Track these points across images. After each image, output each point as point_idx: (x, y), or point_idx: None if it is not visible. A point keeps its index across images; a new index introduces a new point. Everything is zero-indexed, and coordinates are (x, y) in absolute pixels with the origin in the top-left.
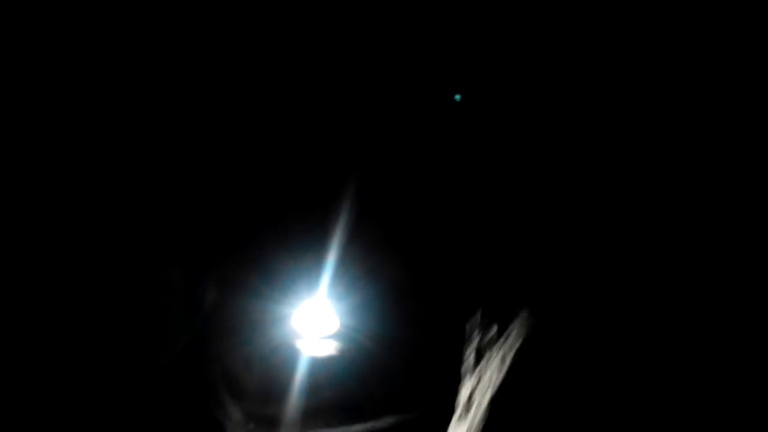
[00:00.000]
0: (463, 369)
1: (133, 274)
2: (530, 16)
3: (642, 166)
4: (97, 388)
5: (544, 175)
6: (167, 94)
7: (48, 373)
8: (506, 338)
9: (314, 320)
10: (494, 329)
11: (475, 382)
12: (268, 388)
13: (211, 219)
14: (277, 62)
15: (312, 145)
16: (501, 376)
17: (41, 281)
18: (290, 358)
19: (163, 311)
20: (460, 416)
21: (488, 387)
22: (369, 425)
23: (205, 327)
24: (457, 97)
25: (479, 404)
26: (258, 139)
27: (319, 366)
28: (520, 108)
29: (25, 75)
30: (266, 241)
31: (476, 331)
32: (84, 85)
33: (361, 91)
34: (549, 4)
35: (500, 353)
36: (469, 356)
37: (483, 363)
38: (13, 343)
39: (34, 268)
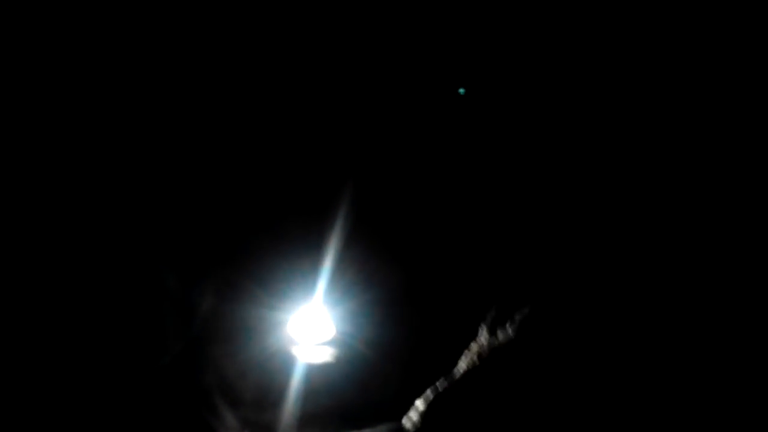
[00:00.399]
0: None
1: (129, 279)
2: (531, 17)
3: (635, 165)
4: (92, 390)
5: (536, 181)
6: (165, 104)
7: (46, 375)
8: (512, 319)
9: (310, 327)
10: (504, 313)
11: (485, 341)
12: (264, 394)
13: (208, 226)
14: (274, 75)
15: (308, 154)
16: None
17: (40, 285)
18: (286, 364)
19: (159, 316)
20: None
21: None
22: None
23: (200, 333)
24: (461, 90)
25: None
26: (255, 147)
27: (315, 373)
28: (515, 116)
29: (25, 77)
30: (262, 248)
31: (491, 313)
32: (82, 93)
33: (356, 103)
34: (550, 4)
35: (507, 327)
36: (484, 329)
37: (494, 332)
38: (13, 344)
39: (33, 272)
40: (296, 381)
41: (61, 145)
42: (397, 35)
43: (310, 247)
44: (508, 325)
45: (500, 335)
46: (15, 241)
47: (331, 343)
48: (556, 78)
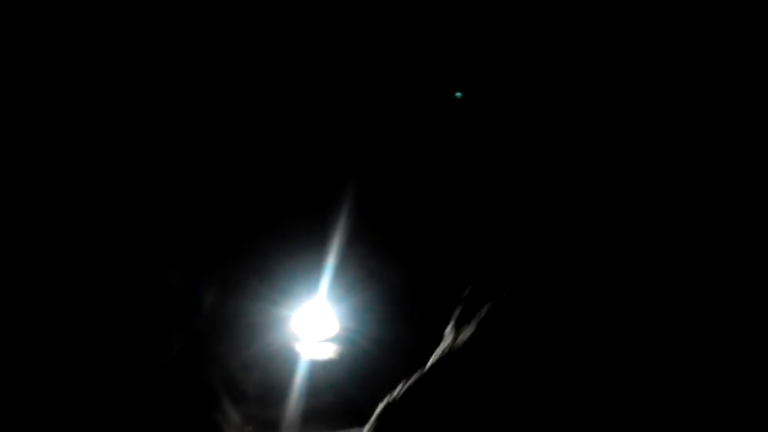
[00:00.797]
0: (445, 333)
1: (133, 276)
2: (531, 17)
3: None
4: (96, 388)
5: (530, 183)
6: (168, 101)
7: (48, 373)
8: (477, 314)
9: (314, 323)
10: (470, 308)
11: (450, 341)
12: (268, 390)
13: (212, 222)
14: (277, 71)
15: (312, 151)
16: (467, 336)
17: (42, 282)
18: (290, 360)
19: (163, 313)
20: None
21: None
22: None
23: (204, 329)
24: (458, 94)
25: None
26: (258, 144)
27: (318, 369)
28: (511, 115)
29: (26, 76)
30: (266, 244)
31: (457, 309)
32: (84, 91)
33: (359, 100)
34: (549, 5)
35: (471, 323)
36: (451, 325)
37: (460, 329)
38: (13, 343)
39: (35, 269)
40: (300, 377)
41: (66, 144)
42: (398, 39)
43: (314, 244)
44: (472, 321)
45: (466, 332)
46: (19, 238)
47: (334, 339)
48: (547, 84)
